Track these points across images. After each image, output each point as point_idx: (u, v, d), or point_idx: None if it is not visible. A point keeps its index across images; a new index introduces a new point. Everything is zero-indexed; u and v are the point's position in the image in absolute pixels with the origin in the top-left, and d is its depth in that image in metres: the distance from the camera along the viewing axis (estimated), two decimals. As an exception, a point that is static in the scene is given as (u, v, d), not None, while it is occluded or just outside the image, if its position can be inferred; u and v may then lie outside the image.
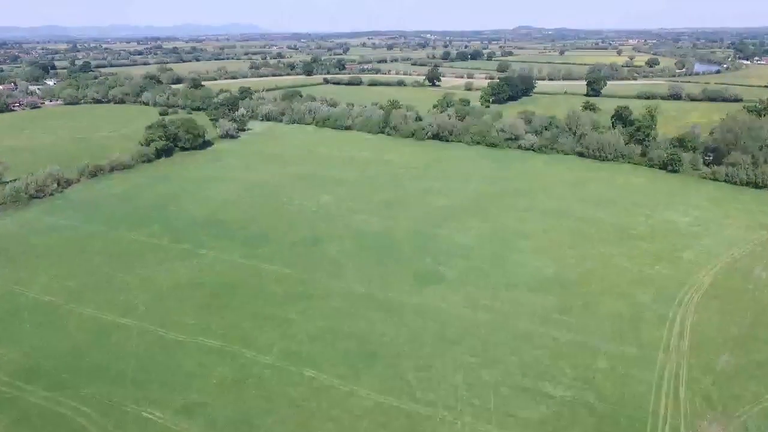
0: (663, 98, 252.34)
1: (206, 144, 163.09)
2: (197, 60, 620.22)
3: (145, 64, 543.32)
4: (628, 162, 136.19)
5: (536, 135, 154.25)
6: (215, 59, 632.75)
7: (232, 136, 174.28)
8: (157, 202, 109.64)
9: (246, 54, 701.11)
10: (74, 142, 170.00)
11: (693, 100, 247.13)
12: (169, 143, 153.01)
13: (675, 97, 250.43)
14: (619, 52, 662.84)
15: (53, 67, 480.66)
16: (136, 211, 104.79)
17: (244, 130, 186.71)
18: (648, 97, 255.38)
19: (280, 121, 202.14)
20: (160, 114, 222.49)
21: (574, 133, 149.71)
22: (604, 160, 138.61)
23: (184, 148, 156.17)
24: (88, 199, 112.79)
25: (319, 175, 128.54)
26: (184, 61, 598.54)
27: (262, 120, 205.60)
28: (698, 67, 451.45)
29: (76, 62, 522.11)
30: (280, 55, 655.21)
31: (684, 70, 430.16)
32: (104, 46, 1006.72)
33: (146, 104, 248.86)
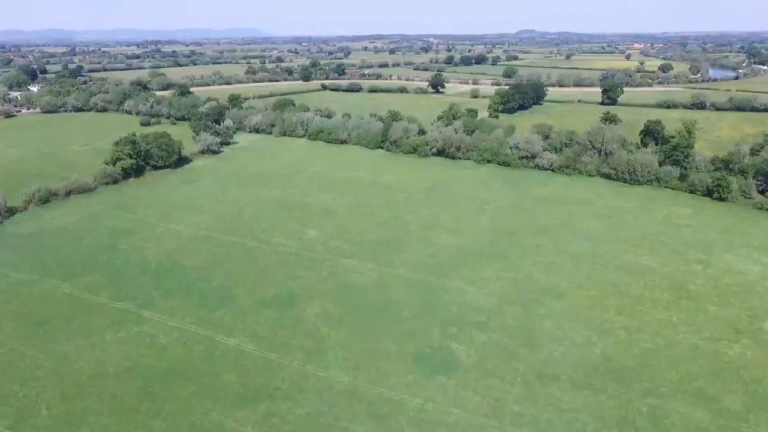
0: (685, 107, 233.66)
1: (183, 161, 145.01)
2: (194, 64, 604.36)
3: (139, 68, 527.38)
4: (665, 187, 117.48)
5: (555, 152, 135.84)
6: (213, 63, 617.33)
7: (214, 152, 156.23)
8: (109, 239, 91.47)
9: (245, 58, 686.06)
10: (40, 157, 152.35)
11: (718, 109, 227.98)
12: (140, 161, 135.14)
13: (698, 106, 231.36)
14: (628, 57, 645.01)
15: (44, 72, 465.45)
16: (82, 251, 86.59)
17: (228, 143, 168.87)
18: (669, 106, 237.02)
19: (270, 133, 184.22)
20: (141, 124, 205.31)
21: (600, 152, 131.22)
22: (635, 183, 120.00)
23: (156, 167, 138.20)
24: (29, 235, 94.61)
25: (305, 202, 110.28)
26: (180, 65, 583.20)
27: (250, 132, 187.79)
28: (713, 73, 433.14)
29: (69, 66, 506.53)
30: (279, 59, 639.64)
31: (699, 75, 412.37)
32: (103, 49, 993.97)
33: (129, 113, 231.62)
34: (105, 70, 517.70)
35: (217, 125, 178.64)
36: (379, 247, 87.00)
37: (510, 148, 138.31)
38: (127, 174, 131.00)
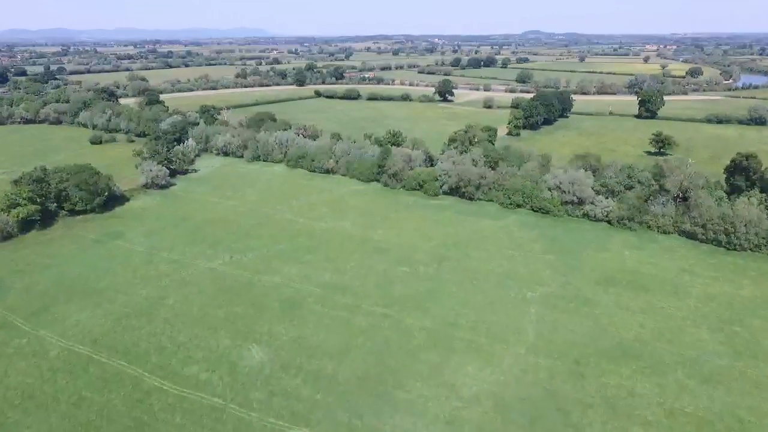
0: (741, 122, 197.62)
1: (115, 201, 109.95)
2: (186, 66, 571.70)
3: (127, 70, 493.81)
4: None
5: (611, 196, 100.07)
6: (207, 65, 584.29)
7: (161, 186, 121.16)
8: (-72, 364, 56.56)
9: (241, 59, 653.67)
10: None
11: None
12: (49, 206, 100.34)
13: (757, 121, 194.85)
14: (646, 59, 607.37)
15: (23, 74, 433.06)
16: None
17: (186, 172, 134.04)
18: (720, 121, 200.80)
19: (241, 156, 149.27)
20: (92, 142, 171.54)
21: (676, 198, 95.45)
22: (734, 248, 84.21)
23: (75, 211, 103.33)
24: None
25: (259, 283, 74.89)
26: (171, 67, 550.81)
27: (218, 154, 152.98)
28: (745, 78, 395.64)
29: (52, 67, 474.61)
30: (276, 61, 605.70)
31: (731, 81, 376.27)
32: (98, 49, 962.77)
33: (85, 126, 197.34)
34: (89, 72, 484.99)
35: (178, 145, 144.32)
36: (360, 393, 51.60)
37: (549, 189, 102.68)
38: (28, 225, 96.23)
